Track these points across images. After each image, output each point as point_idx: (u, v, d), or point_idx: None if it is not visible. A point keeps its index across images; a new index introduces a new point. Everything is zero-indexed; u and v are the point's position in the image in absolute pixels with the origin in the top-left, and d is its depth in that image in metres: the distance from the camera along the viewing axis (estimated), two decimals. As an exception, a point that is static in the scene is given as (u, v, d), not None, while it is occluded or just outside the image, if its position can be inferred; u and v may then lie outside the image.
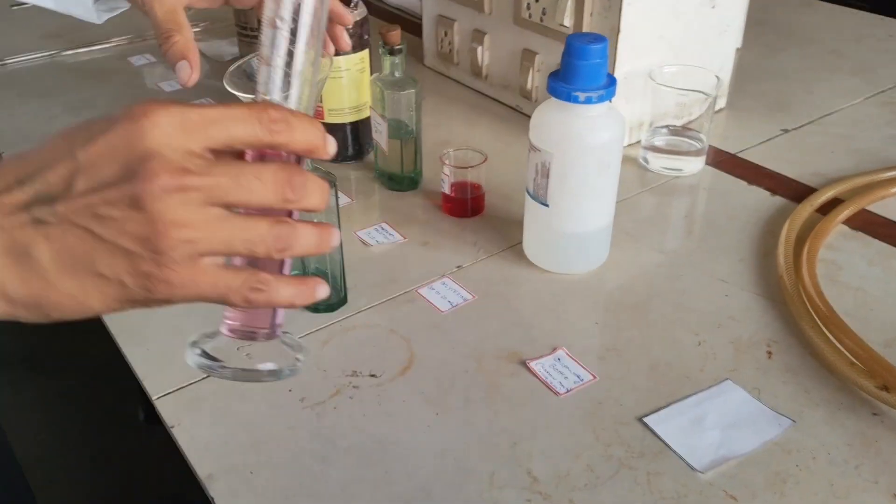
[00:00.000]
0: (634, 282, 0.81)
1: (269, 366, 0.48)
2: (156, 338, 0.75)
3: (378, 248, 0.88)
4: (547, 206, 0.79)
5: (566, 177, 0.76)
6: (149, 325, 0.77)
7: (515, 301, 0.79)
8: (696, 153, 1.01)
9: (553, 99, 0.76)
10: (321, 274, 0.76)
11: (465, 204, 0.92)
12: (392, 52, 0.90)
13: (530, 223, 0.83)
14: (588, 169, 0.76)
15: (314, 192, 0.42)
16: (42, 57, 1.40)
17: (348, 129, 1.02)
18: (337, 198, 0.74)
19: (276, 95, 0.46)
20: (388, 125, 0.93)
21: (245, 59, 0.68)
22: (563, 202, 0.78)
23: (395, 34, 0.89)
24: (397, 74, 0.92)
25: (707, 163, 1.02)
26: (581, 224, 0.80)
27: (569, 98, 0.74)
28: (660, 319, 0.76)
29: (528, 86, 1.12)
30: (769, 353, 0.71)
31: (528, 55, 1.11)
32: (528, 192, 0.81)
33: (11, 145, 1.11)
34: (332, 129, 1.01)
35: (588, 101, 0.73)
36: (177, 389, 0.69)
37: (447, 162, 0.91)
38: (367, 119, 1.03)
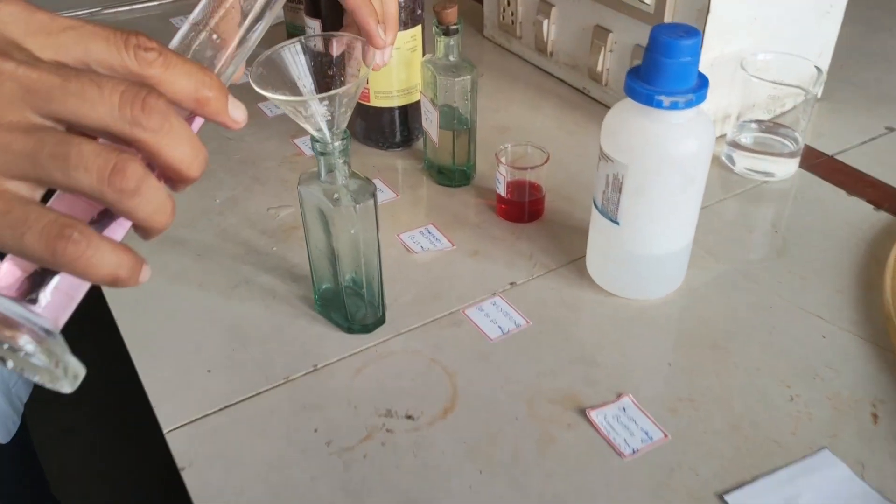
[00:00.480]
0: (714, 312, 0.71)
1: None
2: (172, 356, 0.68)
3: (423, 255, 0.78)
4: (617, 223, 0.68)
5: (642, 193, 0.66)
6: (167, 343, 0.69)
7: (575, 330, 0.70)
8: (790, 155, 0.88)
9: (629, 100, 0.65)
10: (355, 285, 0.68)
11: (522, 208, 0.82)
12: (447, 33, 0.80)
13: (596, 238, 0.73)
14: (669, 184, 0.65)
15: (176, 131, 0.34)
16: (82, 14, 1.32)
17: (396, 113, 0.92)
18: (376, 209, 0.64)
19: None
20: (440, 114, 0.83)
21: (275, 48, 0.59)
22: (638, 221, 0.68)
23: (452, 12, 0.79)
24: (452, 58, 0.81)
25: (800, 165, 0.90)
26: (656, 246, 0.69)
27: (650, 102, 0.63)
28: (743, 363, 0.65)
29: (599, 67, 1.00)
30: (874, 415, 0.60)
31: (601, 33, 0.99)
32: (596, 205, 0.70)
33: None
34: (378, 112, 0.91)
35: (673, 106, 0.62)
36: (192, 421, 0.62)
37: (503, 160, 0.80)
38: (418, 103, 0.93)
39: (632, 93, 0.64)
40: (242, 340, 0.69)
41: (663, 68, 0.62)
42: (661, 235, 0.69)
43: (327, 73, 0.62)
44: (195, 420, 0.62)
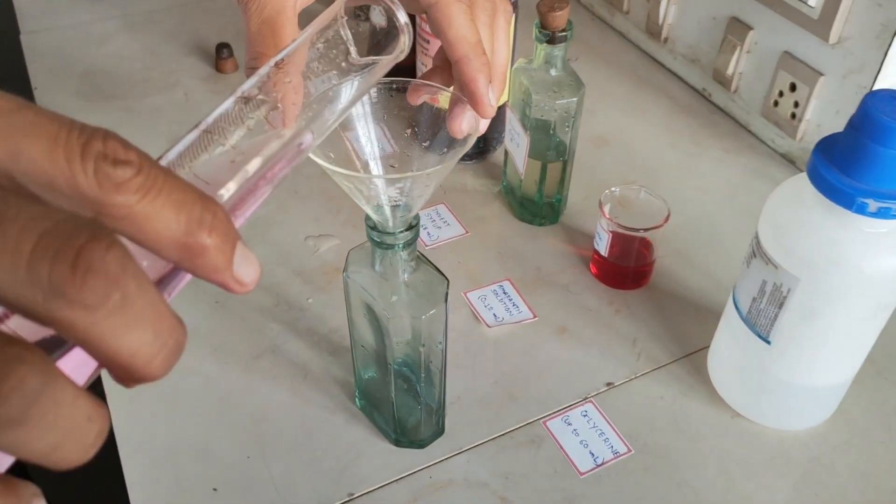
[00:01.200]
0: (879, 456, 0.54)
1: None
2: (171, 462, 0.53)
3: (497, 329, 0.62)
4: (768, 343, 0.51)
5: (815, 316, 0.48)
6: (165, 441, 0.54)
7: (690, 468, 0.53)
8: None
9: (807, 183, 0.46)
10: (408, 382, 0.51)
11: (626, 274, 0.64)
12: (552, 40, 0.60)
13: (729, 346, 0.55)
14: (855, 310, 0.47)
15: (131, 306, 0.20)
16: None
17: (472, 119, 0.74)
18: (447, 312, 0.47)
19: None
20: (531, 140, 0.65)
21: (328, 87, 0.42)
22: (799, 347, 0.50)
23: (562, 15, 0.59)
24: (554, 71, 0.62)
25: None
26: (818, 376, 0.52)
27: (849, 204, 0.44)
28: (921, 554, 0.49)
29: (730, 70, 0.80)
30: None
31: (738, 28, 0.78)
32: (738, 309, 0.52)
33: (47, 73, 0.88)
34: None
35: (883, 214, 0.44)
36: (186, 570, 0.47)
37: (608, 213, 0.62)
38: (501, 108, 0.74)
39: (822, 184, 0.45)
40: (261, 444, 0.54)
41: (876, 159, 0.43)
42: (827, 365, 0.51)
43: (402, 132, 0.44)
44: (192, 569, 0.48)
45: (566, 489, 0.52)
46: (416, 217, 0.44)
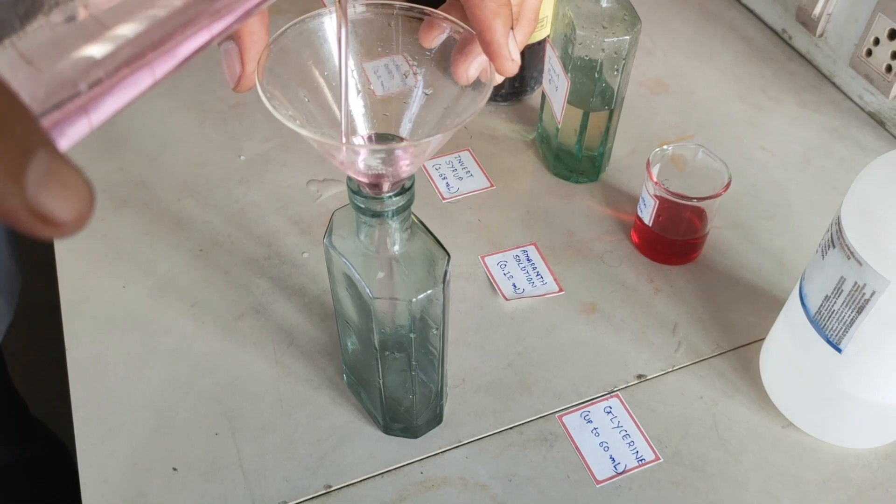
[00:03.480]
0: (956, 492, 0.45)
1: None
2: (128, 435, 0.47)
3: (516, 302, 0.53)
4: (839, 351, 0.41)
5: (901, 326, 0.38)
6: (124, 406, 0.48)
7: (727, 482, 0.45)
8: None
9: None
10: (399, 359, 0.44)
11: (672, 247, 0.55)
12: (604, -37, 0.50)
13: (787, 344, 0.46)
14: (953, 324, 0.38)
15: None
16: None
17: (508, 53, 0.64)
18: (446, 294, 0.39)
19: None
20: (572, 84, 0.55)
21: (310, 15, 0.33)
22: (876, 360, 0.41)
23: (618, -69, 0.48)
24: (605, 3, 0.52)
25: None
26: (894, 393, 0.42)
27: (968, 191, 0.34)
28: None
29: (817, 10, 0.68)
30: None
31: (831, -41, 0.66)
32: (805, 306, 0.43)
33: None
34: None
35: None
36: (132, 563, 0.41)
37: (656, 176, 0.53)
38: (541, 43, 0.64)
39: (932, 163, 0.35)
40: (231, 420, 0.47)
41: None
42: (908, 383, 0.42)
43: (401, 72, 0.36)
44: (138, 562, 0.42)
45: (578, 499, 0.44)
46: (411, 179, 0.35)
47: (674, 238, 0.54)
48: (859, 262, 0.38)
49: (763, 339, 0.51)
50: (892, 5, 0.61)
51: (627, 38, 0.52)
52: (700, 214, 0.54)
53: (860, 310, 0.39)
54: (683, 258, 0.55)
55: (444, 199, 0.60)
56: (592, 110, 0.56)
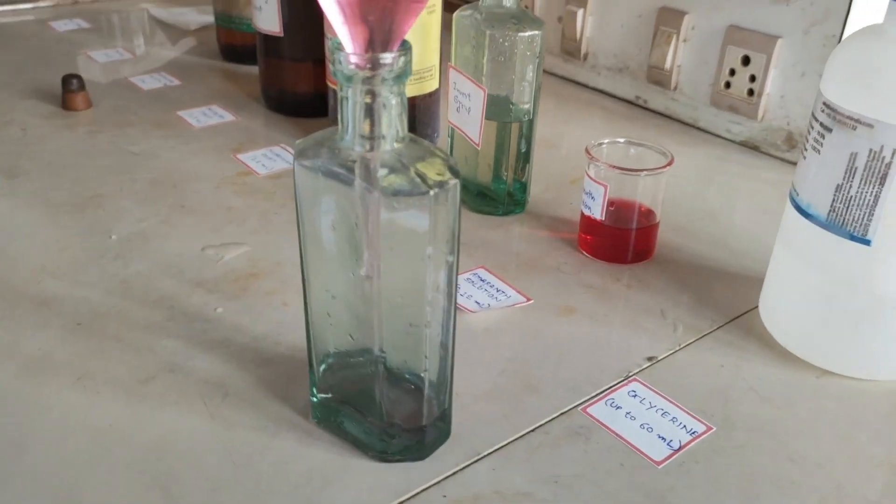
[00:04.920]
0: None
1: None
2: None
3: (483, 315, 0.46)
4: (867, 243, 0.38)
5: (931, 181, 0.36)
6: None
7: (795, 436, 0.38)
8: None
9: (892, 18, 0.36)
10: (407, 381, 0.34)
11: (627, 240, 0.51)
12: (506, -39, 0.50)
13: (797, 282, 0.42)
14: (980, 165, 0.36)
15: None
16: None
17: (400, 110, 0.61)
18: (459, 212, 0.32)
19: None
20: (488, 95, 0.52)
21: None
22: (912, 235, 0.38)
23: (517, -74, 0.49)
24: (508, 3, 0.51)
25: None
26: (932, 281, 0.39)
27: (963, 8, 0.34)
28: None
29: (667, 64, 0.73)
30: None
31: (670, 16, 0.71)
32: (812, 217, 0.40)
33: None
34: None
35: None
36: None
37: (600, 157, 0.50)
38: (432, 95, 0.62)
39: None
40: (165, 488, 0.34)
41: None
42: (944, 263, 0.39)
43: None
44: None
45: (645, 484, 0.35)
46: (407, 43, 0.29)
47: (627, 228, 0.50)
48: (869, 126, 0.36)
49: (752, 308, 0.47)
50: (737, 35, 0.67)
51: (539, 33, 0.51)
52: (646, 211, 0.51)
53: (882, 179, 0.37)
54: (640, 255, 0.51)
55: (367, 244, 0.52)
56: (512, 120, 0.53)
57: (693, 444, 0.37)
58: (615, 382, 0.41)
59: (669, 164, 0.49)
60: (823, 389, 0.41)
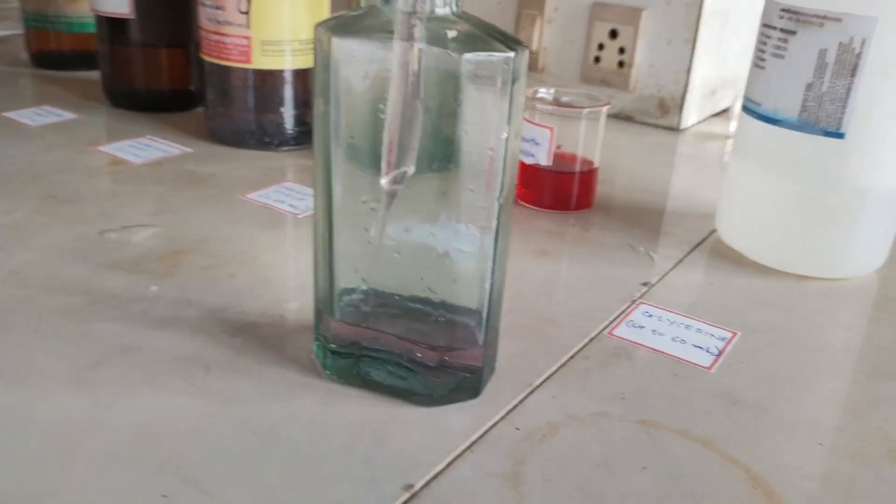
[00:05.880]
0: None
1: None
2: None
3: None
4: (841, 136, 0.39)
5: (898, 66, 0.38)
6: None
7: (822, 331, 0.38)
8: None
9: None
10: (459, 311, 0.29)
11: (570, 184, 0.49)
12: None
13: (758, 189, 0.43)
14: (934, 49, 0.39)
15: None
16: None
17: (289, 84, 0.55)
18: (515, 80, 0.28)
19: None
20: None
21: None
22: (886, 124, 0.39)
23: None
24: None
25: None
26: (896, 170, 0.41)
27: None
28: None
29: (534, 46, 0.73)
30: None
31: (532, 0, 0.73)
32: (783, 121, 0.41)
33: None
34: (262, 81, 0.54)
35: None
36: None
37: (545, 99, 0.48)
38: (328, 67, 0.57)
39: None
40: (179, 476, 0.26)
41: None
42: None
43: None
44: None
45: (708, 388, 0.32)
46: None
47: (571, 172, 0.49)
48: (838, 20, 0.38)
49: (712, 232, 0.47)
50: (603, 11, 0.69)
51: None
52: (591, 141, 0.50)
53: (853, 70, 0.38)
54: (582, 202, 0.50)
55: (297, 215, 0.46)
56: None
57: (730, 347, 0.36)
58: (625, 307, 0.39)
59: (607, 104, 0.49)
60: (811, 292, 0.42)
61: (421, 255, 0.28)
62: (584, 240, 0.46)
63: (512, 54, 0.26)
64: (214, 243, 0.42)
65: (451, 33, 0.26)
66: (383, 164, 0.27)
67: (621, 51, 0.69)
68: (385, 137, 0.27)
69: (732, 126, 0.70)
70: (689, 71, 0.67)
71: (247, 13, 0.52)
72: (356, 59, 0.26)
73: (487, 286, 0.29)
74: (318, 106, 0.28)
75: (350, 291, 0.30)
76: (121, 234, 0.42)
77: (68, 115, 0.61)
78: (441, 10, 0.26)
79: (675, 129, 0.69)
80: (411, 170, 0.27)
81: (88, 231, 0.42)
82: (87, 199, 0.46)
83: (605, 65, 0.70)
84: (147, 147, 0.55)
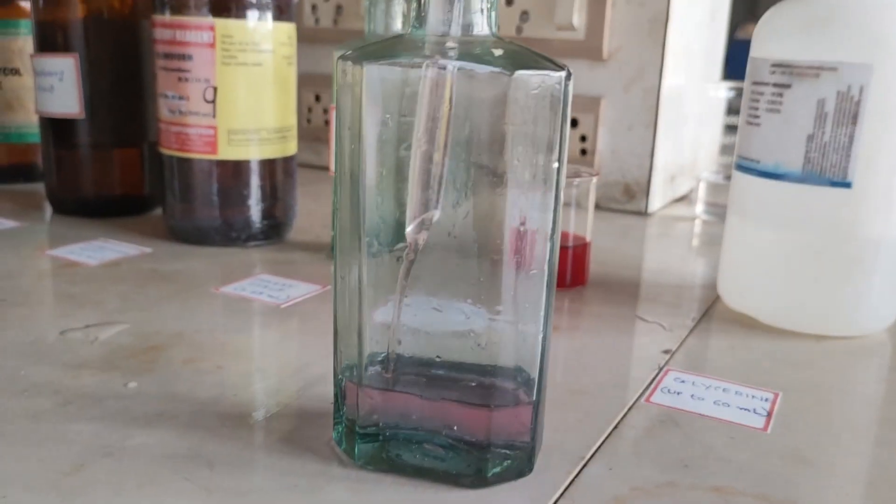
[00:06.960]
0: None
1: None
2: None
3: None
4: (848, 186, 0.39)
5: (896, 112, 0.38)
6: None
7: (856, 386, 0.36)
8: None
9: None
10: (505, 374, 0.26)
11: (564, 259, 0.47)
12: (396, -16, 0.47)
13: (763, 250, 0.42)
14: (926, 95, 0.39)
15: None
16: None
17: (256, 175, 0.52)
18: (565, 100, 0.26)
19: None
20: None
21: None
22: (892, 169, 0.39)
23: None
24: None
25: None
26: (902, 219, 0.41)
27: (888, -46, 0.38)
28: None
29: None
30: None
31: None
32: (786, 175, 0.40)
33: None
34: (226, 173, 0.51)
35: (920, -41, 0.38)
36: None
37: (534, 176, 0.46)
38: (294, 159, 0.55)
39: (849, -54, 0.38)
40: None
41: None
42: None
43: None
44: None
45: (770, 450, 0.29)
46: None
47: (566, 246, 0.47)
48: (834, 69, 0.38)
49: (716, 299, 0.45)
50: (563, 101, 0.70)
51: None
52: (578, 234, 0.48)
53: (854, 117, 0.38)
54: (579, 275, 0.48)
55: (280, 305, 0.42)
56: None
57: (777, 409, 0.33)
58: (654, 374, 0.36)
59: (597, 174, 0.48)
60: (834, 351, 0.40)
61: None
62: (589, 314, 0.44)
63: (564, 73, 0.24)
64: (193, 336, 0.37)
65: (497, 51, 0.24)
66: (408, 210, 0.25)
67: (583, 139, 0.69)
68: (410, 177, 0.24)
69: (699, 208, 0.70)
70: (651, 155, 0.68)
71: (213, 102, 0.49)
72: (389, 84, 0.24)
73: (540, 339, 0.26)
74: (342, 148, 0.25)
75: (379, 356, 0.26)
76: (85, 332, 0.37)
77: (9, 224, 0.56)
78: (480, 31, 0.24)
79: (642, 213, 0.69)
80: (436, 214, 0.25)
81: (48, 332, 0.37)
82: (42, 300, 0.41)
83: (569, 154, 0.70)
84: (101, 249, 0.51)
